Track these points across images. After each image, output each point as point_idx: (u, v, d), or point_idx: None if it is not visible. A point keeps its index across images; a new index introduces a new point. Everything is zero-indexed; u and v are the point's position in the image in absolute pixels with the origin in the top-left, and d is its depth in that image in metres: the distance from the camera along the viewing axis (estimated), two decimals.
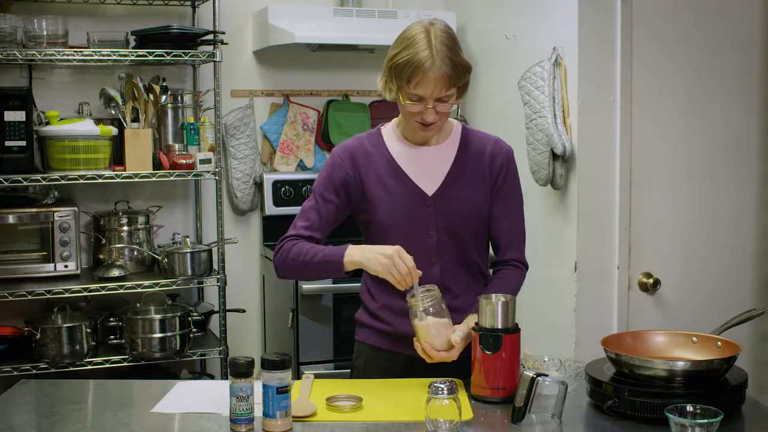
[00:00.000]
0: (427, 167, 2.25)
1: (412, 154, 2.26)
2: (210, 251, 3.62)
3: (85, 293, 3.38)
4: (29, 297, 3.29)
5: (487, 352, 1.99)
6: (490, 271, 2.35)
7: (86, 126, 3.40)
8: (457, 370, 2.13)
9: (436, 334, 2.08)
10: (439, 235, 2.22)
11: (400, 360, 2.25)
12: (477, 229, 2.27)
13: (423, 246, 2.22)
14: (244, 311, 3.87)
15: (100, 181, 3.39)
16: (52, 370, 3.30)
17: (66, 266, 3.40)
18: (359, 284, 2.38)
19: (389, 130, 2.31)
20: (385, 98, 2.21)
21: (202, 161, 3.53)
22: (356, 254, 2.12)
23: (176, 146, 3.60)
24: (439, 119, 2.17)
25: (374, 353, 2.32)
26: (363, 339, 2.36)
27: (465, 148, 2.28)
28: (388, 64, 2.15)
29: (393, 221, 2.22)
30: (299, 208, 4.16)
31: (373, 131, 2.33)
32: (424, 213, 2.22)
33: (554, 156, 3.13)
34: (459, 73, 2.12)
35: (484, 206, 2.26)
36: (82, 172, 3.36)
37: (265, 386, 1.82)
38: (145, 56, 3.43)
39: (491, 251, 2.36)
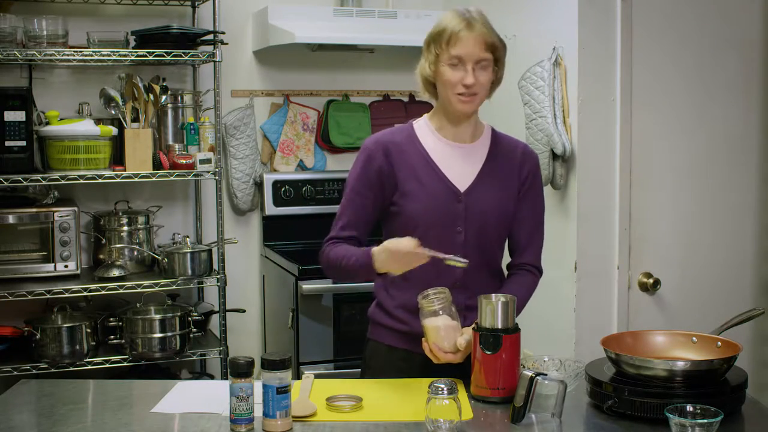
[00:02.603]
0: (460, 164, 2.26)
1: (446, 150, 2.27)
2: (210, 251, 3.62)
3: (85, 293, 3.38)
4: (29, 297, 3.29)
5: (487, 352, 1.99)
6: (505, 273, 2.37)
7: (86, 126, 3.40)
8: (457, 370, 2.13)
9: (445, 335, 2.09)
10: (467, 233, 2.23)
11: (417, 359, 2.22)
12: (502, 231, 2.29)
13: (450, 242, 2.21)
14: (244, 311, 3.87)
15: (100, 181, 3.39)
16: (52, 370, 3.30)
17: (66, 266, 3.40)
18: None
19: (422, 125, 2.31)
20: (427, 77, 2.23)
21: (202, 161, 3.53)
22: (383, 263, 2.12)
23: (176, 146, 3.60)
24: (478, 91, 2.18)
25: (390, 353, 2.31)
26: (378, 338, 2.34)
27: (495, 149, 2.30)
28: (427, 41, 2.22)
29: (424, 215, 2.22)
30: (299, 208, 4.19)
31: (404, 126, 2.33)
32: (455, 209, 2.23)
33: (554, 156, 3.13)
34: (496, 40, 2.18)
35: (510, 208, 2.28)
36: (82, 172, 3.36)
37: (265, 386, 1.82)
38: (145, 56, 3.43)
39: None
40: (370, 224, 2.29)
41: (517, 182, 2.29)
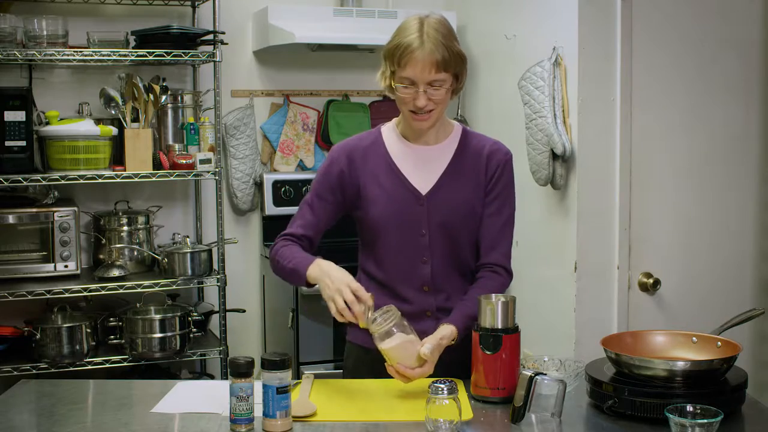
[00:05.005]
0: (423, 166, 2.25)
1: (409, 153, 2.26)
2: (210, 251, 3.62)
3: (85, 293, 3.38)
4: (29, 297, 3.29)
5: (487, 352, 1.99)
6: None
7: (86, 126, 3.40)
8: (458, 370, 2.13)
9: (406, 353, 2.03)
10: (432, 235, 2.22)
11: None
12: (472, 232, 2.25)
13: (415, 245, 2.22)
14: (244, 311, 3.87)
15: (100, 181, 3.39)
16: (52, 370, 3.30)
17: (66, 266, 3.40)
18: None
19: (389, 129, 2.31)
20: (384, 90, 2.23)
21: (202, 161, 3.53)
22: (316, 274, 2.13)
23: (176, 146, 3.60)
24: (434, 108, 2.16)
25: (363, 353, 2.30)
26: (353, 339, 2.35)
27: (463, 148, 2.27)
28: (383, 52, 2.19)
29: (386, 219, 2.22)
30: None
31: (373, 130, 2.33)
32: (417, 212, 2.22)
33: (554, 156, 3.13)
34: (450, 57, 2.12)
35: (478, 207, 2.25)
36: (82, 172, 3.36)
37: (265, 386, 1.82)
38: (145, 56, 3.43)
39: None
40: (326, 227, 2.30)
41: (484, 180, 2.25)
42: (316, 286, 2.16)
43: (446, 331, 2.11)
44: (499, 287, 2.23)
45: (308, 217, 2.27)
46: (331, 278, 2.08)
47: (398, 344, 2.03)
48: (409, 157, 2.26)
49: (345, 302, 2.03)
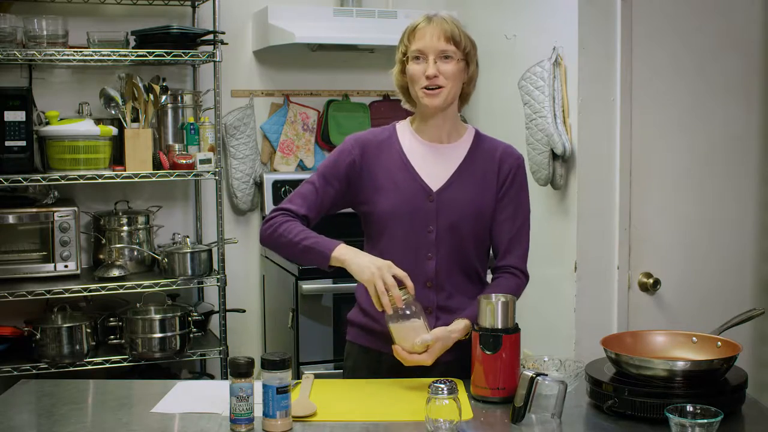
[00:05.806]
0: (436, 164, 2.26)
1: (423, 150, 2.27)
2: (210, 251, 3.62)
3: (85, 293, 3.38)
4: (29, 297, 3.29)
5: (487, 352, 1.99)
6: (489, 278, 2.34)
7: (86, 126, 3.40)
8: (458, 370, 2.13)
9: (407, 337, 2.06)
10: (439, 232, 2.22)
11: (387, 360, 2.20)
12: (479, 232, 2.26)
13: (421, 241, 2.22)
14: (244, 311, 3.87)
15: (100, 181, 3.39)
16: (52, 370, 3.31)
17: (66, 266, 3.40)
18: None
19: (403, 126, 2.33)
20: (398, 80, 2.28)
21: (202, 161, 3.53)
22: (348, 254, 2.12)
23: (176, 146, 3.60)
24: (444, 85, 2.18)
25: (363, 353, 2.31)
26: (353, 339, 2.35)
27: (476, 149, 2.29)
28: (397, 48, 2.26)
29: (395, 213, 2.22)
30: None
31: (388, 126, 2.35)
32: (426, 208, 2.22)
33: (554, 156, 3.13)
34: (459, 33, 2.19)
35: (487, 209, 2.26)
36: (82, 172, 3.36)
37: (265, 386, 1.82)
38: (145, 56, 3.43)
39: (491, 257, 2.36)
40: (324, 212, 2.29)
41: (496, 183, 2.26)
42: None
43: (459, 325, 2.13)
44: (515, 288, 2.25)
45: (311, 197, 2.26)
46: (372, 261, 2.08)
47: (403, 326, 2.06)
48: (422, 153, 2.27)
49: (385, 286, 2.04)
